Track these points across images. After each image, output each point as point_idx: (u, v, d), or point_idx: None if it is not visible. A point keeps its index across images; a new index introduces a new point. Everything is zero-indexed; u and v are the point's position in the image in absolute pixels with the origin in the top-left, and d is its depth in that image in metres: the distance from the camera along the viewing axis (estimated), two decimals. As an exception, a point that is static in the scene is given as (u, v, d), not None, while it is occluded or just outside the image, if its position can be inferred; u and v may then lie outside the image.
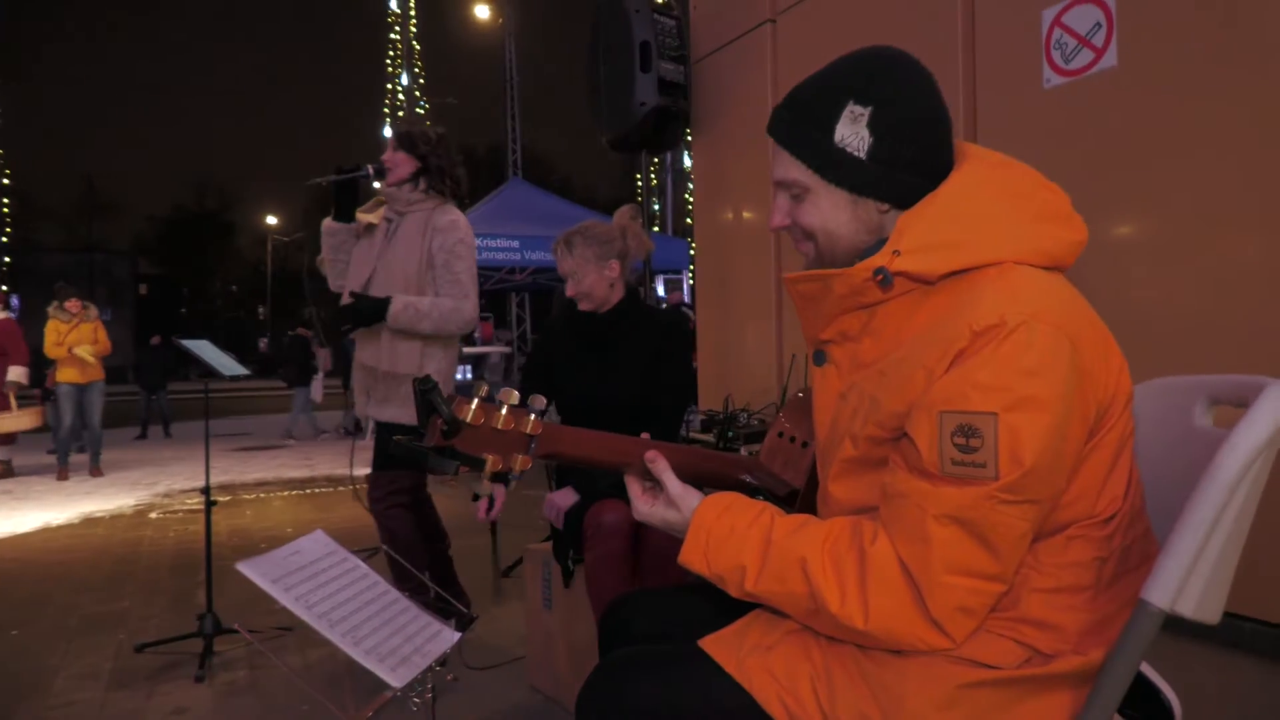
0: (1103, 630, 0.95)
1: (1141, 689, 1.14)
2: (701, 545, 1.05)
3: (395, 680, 1.28)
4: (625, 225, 2.45)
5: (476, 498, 2.08)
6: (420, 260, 2.79)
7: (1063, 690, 0.94)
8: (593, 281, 2.38)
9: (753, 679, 1.03)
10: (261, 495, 6.68)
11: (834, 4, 2.91)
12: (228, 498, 6.51)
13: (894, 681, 0.96)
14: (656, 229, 15.15)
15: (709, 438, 2.98)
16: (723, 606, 1.23)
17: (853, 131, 1.03)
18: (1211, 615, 0.91)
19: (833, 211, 1.07)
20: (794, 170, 1.07)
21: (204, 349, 3.14)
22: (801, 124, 1.06)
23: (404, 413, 2.80)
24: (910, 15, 2.60)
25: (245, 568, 1.34)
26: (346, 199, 2.87)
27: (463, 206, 2.97)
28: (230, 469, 8.26)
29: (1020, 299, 0.92)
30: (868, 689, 0.97)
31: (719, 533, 1.04)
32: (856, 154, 1.03)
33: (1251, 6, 1.75)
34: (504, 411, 0.97)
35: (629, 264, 2.44)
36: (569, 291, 2.42)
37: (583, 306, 2.42)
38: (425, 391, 0.92)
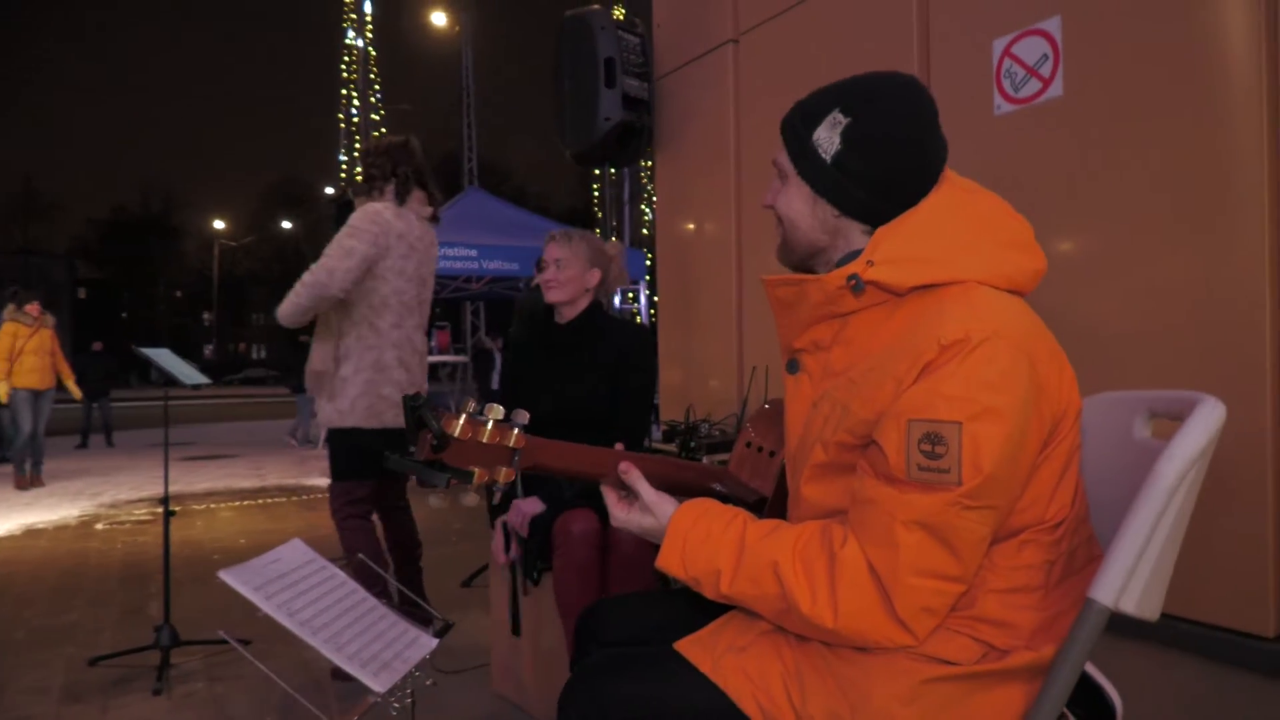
0: (1052, 627, 1.03)
1: (1085, 687, 1.22)
2: (678, 550, 1.10)
3: (378, 685, 1.30)
4: (616, 255, 2.58)
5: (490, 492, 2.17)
6: None
7: (1016, 684, 1.01)
8: (574, 274, 2.47)
9: (728, 679, 1.08)
10: (211, 506, 6.56)
11: (795, 28, 3.00)
12: (177, 508, 6.36)
13: (861, 678, 1.02)
14: (614, 239, 15.20)
15: (671, 448, 3.03)
16: (695, 610, 1.28)
17: (828, 135, 1.12)
18: (1151, 613, 0.99)
19: (798, 202, 1.17)
20: (781, 155, 1.18)
21: (164, 357, 3.10)
22: (797, 116, 1.17)
23: (331, 412, 2.81)
24: (869, 40, 2.70)
25: (228, 576, 1.35)
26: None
27: (405, 199, 2.96)
28: (178, 479, 8.08)
29: (984, 317, 0.98)
30: (837, 686, 1.03)
31: (695, 538, 1.09)
32: (824, 156, 1.12)
33: (1183, 45, 1.87)
34: (489, 426, 1.01)
35: (607, 287, 2.55)
36: (545, 276, 2.47)
37: (551, 297, 2.48)
38: (415, 407, 0.96)
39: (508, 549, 2.41)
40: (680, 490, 1.20)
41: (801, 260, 1.21)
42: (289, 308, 2.74)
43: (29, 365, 7.32)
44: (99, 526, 5.78)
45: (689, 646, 1.14)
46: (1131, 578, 0.95)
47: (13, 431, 7.53)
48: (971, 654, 1.01)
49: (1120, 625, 0.98)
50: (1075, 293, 2.09)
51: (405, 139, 3.02)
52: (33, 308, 7.37)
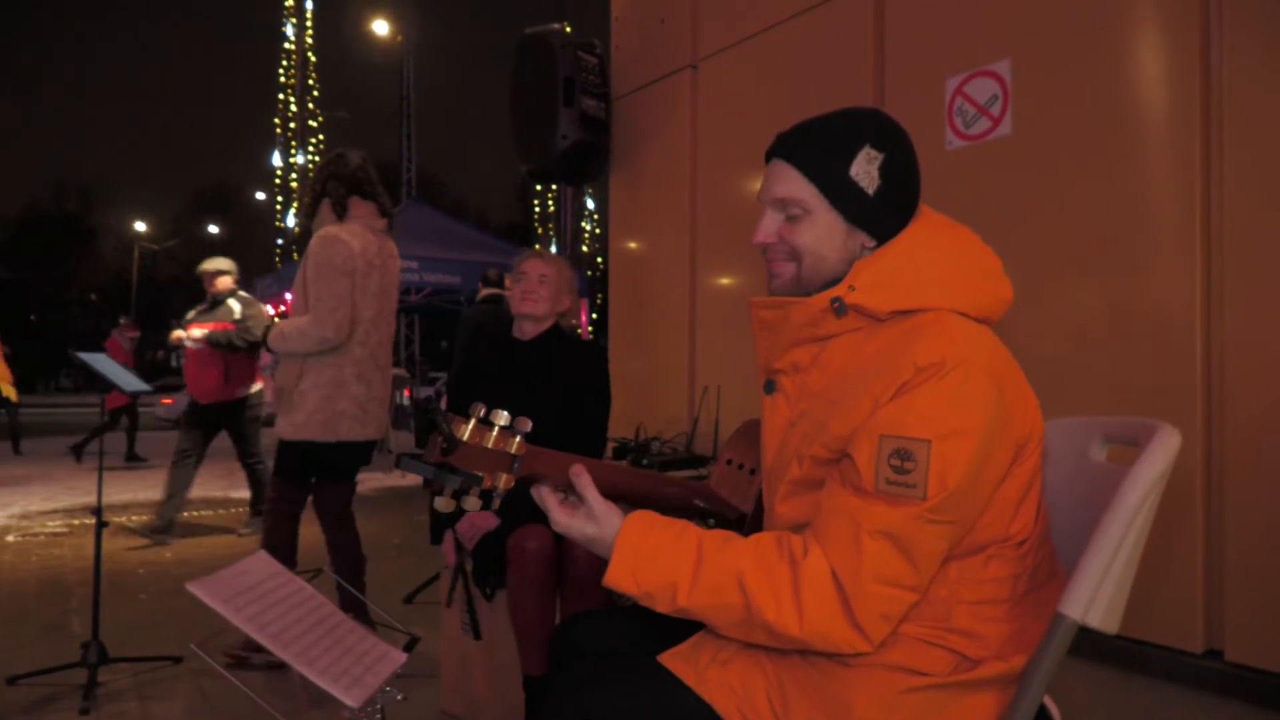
0: (1019, 638, 1.08)
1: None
2: (629, 565, 1.08)
3: (351, 700, 1.28)
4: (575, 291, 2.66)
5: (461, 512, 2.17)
6: (301, 285, 2.87)
7: (988, 693, 1.06)
8: (554, 293, 2.51)
9: (712, 691, 1.11)
10: (132, 518, 6.29)
11: (754, 58, 3.08)
12: (92, 520, 6.09)
13: (841, 691, 1.06)
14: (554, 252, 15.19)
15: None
16: (670, 623, 1.30)
17: (865, 171, 1.15)
18: (1113, 625, 1.05)
19: (828, 235, 1.17)
20: (801, 190, 1.17)
21: (102, 363, 2.99)
22: (820, 151, 1.17)
23: (286, 425, 2.86)
24: (827, 73, 2.79)
25: (196, 588, 1.31)
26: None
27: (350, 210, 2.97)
28: (91, 489, 7.71)
29: (958, 342, 1.04)
30: (819, 698, 1.07)
31: (646, 550, 1.08)
32: (866, 190, 1.15)
33: (1120, 93, 2.00)
34: (495, 432, 1.02)
35: (565, 314, 2.62)
36: (526, 288, 2.48)
37: (527, 309, 2.49)
38: (429, 411, 0.96)
39: (458, 550, 2.42)
40: (663, 506, 1.21)
41: (811, 292, 1.20)
42: (289, 348, 2.82)
43: None
44: (10, 539, 5.50)
45: (672, 659, 1.16)
46: (1097, 593, 1.01)
47: None
48: (945, 665, 1.06)
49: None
50: (1019, 319, 2.19)
51: (338, 152, 3.01)
52: None
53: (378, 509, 6.63)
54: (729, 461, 1.40)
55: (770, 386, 1.25)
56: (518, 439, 1.05)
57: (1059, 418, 1.40)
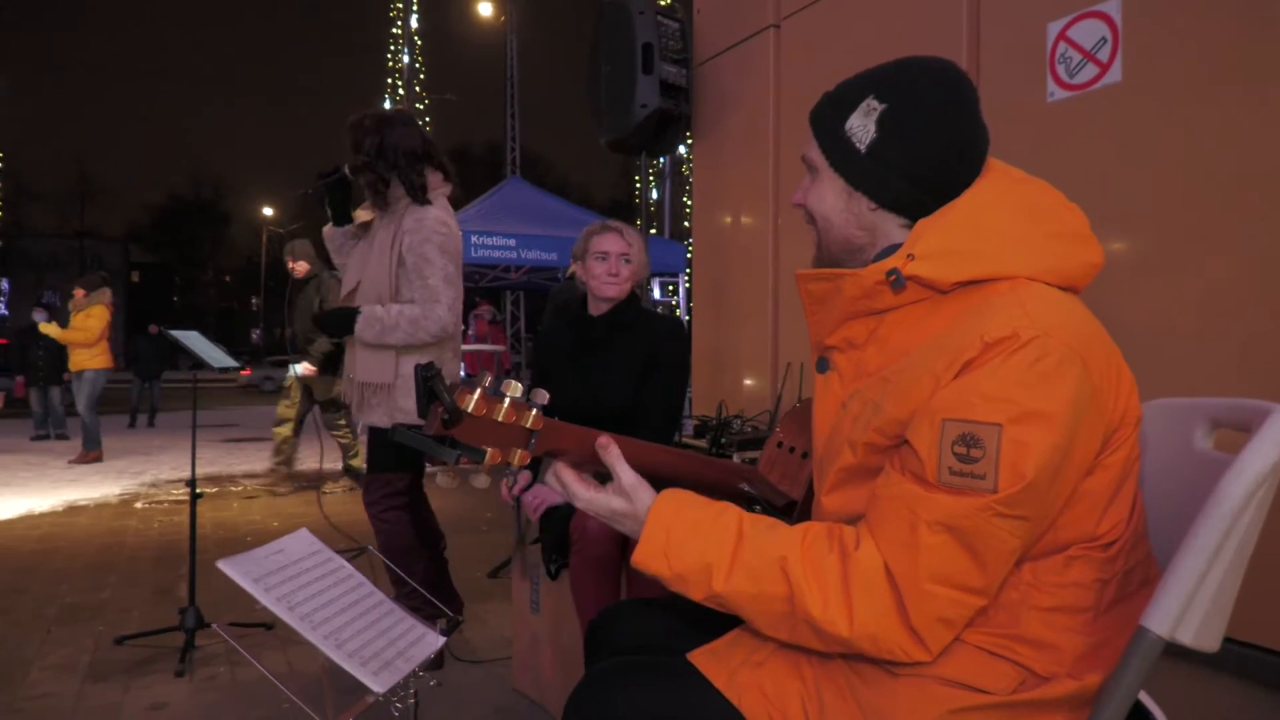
0: (1099, 654, 0.93)
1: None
2: (660, 542, 0.99)
3: (377, 685, 1.25)
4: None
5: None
6: (391, 265, 2.65)
7: (1055, 716, 0.92)
8: (636, 269, 2.43)
9: (742, 696, 1.01)
10: (248, 487, 6.63)
11: (839, 11, 2.90)
12: (214, 489, 6.45)
13: (885, 704, 0.94)
14: (654, 231, 15.14)
15: (701, 444, 2.96)
16: (710, 618, 1.20)
17: (861, 123, 1.03)
18: (1211, 644, 0.89)
19: (831, 197, 1.08)
20: (811, 149, 1.10)
21: (193, 340, 3.10)
22: (829, 106, 1.08)
23: (385, 417, 2.71)
24: (916, 24, 2.59)
25: (226, 566, 1.31)
26: (337, 202, 2.80)
27: (456, 201, 2.84)
28: (217, 460, 8.20)
29: (1033, 314, 0.90)
30: (859, 710, 0.95)
31: (680, 529, 0.99)
32: (858, 145, 1.03)
33: (1256, 29, 1.74)
34: (506, 404, 0.94)
35: (642, 283, 2.52)
36: (610, 269, 2.38)
37: (613, 292, 2.40)
38: (428, 379, 0.89)
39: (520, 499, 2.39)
40: (705, 488, 1.11)
41: (837, 260, 1.11)
42: (396, 339, 2.60)
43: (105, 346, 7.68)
44: (138, 505, 5.87)
45: (703, 658, 1.07)
46: (1190, 606, 0.86)
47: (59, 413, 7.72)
48: (1008, 681, 0.92)
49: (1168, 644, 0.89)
50: (1125, 291, 1.97)
51: (388, 115, 2.72)
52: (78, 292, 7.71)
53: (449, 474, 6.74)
54: (779, 444, 1.28)
55: (823, 364, 1.12)
56: (534, 412, 0.96)
57: (1157, 398, 1.23)
